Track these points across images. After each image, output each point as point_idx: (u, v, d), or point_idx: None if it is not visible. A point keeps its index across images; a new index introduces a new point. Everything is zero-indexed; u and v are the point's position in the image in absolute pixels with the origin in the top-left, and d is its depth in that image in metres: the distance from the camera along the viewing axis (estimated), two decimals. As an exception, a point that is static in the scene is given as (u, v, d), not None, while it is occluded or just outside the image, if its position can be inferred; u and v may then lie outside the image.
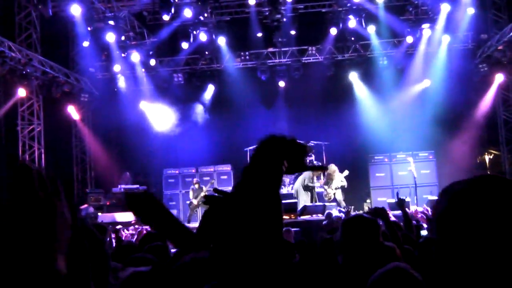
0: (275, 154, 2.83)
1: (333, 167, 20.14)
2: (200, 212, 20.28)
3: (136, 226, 16.49)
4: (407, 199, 15.46)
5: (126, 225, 17.65)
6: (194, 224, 18.57)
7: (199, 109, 24.28)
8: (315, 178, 20.24)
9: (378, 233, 3.96)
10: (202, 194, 20.46)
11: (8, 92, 21.61)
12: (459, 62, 21.93)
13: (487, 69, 21.29)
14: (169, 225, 2.92)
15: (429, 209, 15.46)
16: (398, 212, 12.14)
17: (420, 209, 16.82)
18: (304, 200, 19.78)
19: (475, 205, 1.48)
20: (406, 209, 8.61)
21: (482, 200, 1.48)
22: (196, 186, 20.84)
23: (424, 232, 8.16)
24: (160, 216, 2.90)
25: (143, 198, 2.88)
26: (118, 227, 14.78)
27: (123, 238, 13.10)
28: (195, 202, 20.43)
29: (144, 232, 12.93)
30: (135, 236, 14.10)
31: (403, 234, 6.47)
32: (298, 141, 2.94)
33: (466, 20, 21.17)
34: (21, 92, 20.87)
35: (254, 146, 3.12)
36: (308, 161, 19.93)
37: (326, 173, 20.58)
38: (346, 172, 20.08)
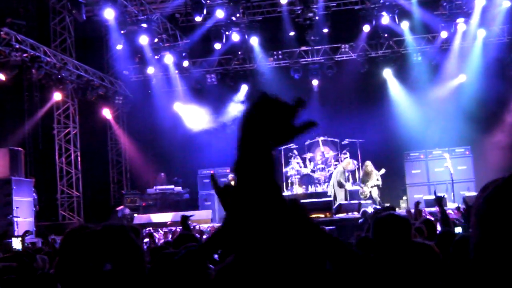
0: (255, 134, 2.35)
1: (370, 164, 20.07)
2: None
3: (171, 228, 16.56)
4: (445, 196, 15.31)
5: (162, 225, 17.77)
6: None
7: (233, 109, 24.31)
8: (346, 174, 20.18)
9: (409, 231, 3.90)
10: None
11: (44, 96, 21.99)
12: (495, 56, 21.62)
13: (524, 63, 20.99)
14: None
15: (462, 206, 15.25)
16: (435, 209, 12.04)
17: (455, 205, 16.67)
18: (340, 197, 19.73)
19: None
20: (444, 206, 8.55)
21: None
22: (232, 183, 20.79)
23: (458, 229, 8.07)
24: None
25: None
26: (148, 229, 14.83)
27: (157, 240, 13.16)
28: (229, 201, 20.43)
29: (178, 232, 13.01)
30: (170, 236, 14.15)
31: (444, 231, 6.42)
32: (282, 100, 2.38)
33: (502, 13, 20.88)
34: (57, 96, 21.19)
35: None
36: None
37: (363, 170, 20.50)
38: (383, 171, 19.97)
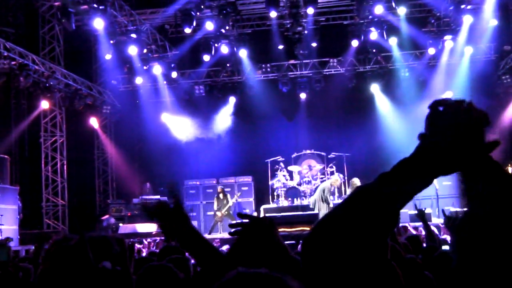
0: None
1: (357, 180, 20.11)
2: (223, 224, 20.25)
3: (155, 239, 16.52)
4: (427, 211, 15.30)
5: (147, 236, 17.73)
6: (216, 235, 18.60)
7: (220, 121, 24.34)
8: (331, 190, 20.21)
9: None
10: (228, 206, 20.45)
11: (32, 104, 21.90)
12: (481, 74, 21.76)
13: (510, 81, 21.15)
14: (193, 241, 2.83)
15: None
16: (420, 223, 12.06)
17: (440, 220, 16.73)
18: (323, 212, 19.73)
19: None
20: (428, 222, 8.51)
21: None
22: (221, 195, 20.74)
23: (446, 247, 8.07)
24: (185, 230, 2.80)
25: (172, 208, 2.80)
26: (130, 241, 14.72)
27: (142, 249, 13.10)
28: (219, 214, 20.37)
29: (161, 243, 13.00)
30: (153, 247, 14.12)
31: (429, 246, 6.43)
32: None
33: (489, 31, 21.06)
34: (44, 104, 21.13)
35: None
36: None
37: (350, 186, 20.53)
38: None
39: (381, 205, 1.58)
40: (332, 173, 21.03)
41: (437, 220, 17.30)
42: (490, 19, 20.37)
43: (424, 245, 7.56)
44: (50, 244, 3.08)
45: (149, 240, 16.02)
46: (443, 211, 8.37)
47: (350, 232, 1.54)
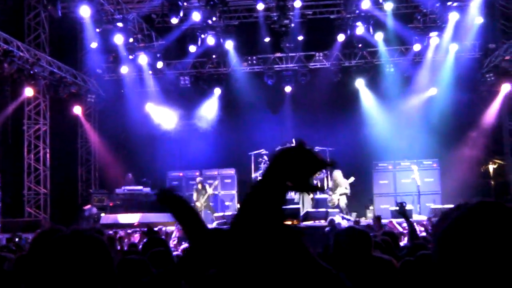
0: (280, 171, 2.38)
1: (339, 173, 20.18)
2: (203, 215, 20.25)
3: (136, 229, 16.49)
4: (408, 207, 15.37)
5: (128, 226, 17.69)
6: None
7: (205, 112, 24.31)
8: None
9: (370, 245, 3.95)
10: (207, 196, 20.48)
11: (16, 91, 21.73)
12: (466, 71, 21.92)
13: (494, 79, 21.29)
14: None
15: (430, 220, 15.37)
16: (402, 219, 12.12)
17: (424, 217, 16.85)
18: (308, 203, 19.80)
19: (473, 233, 1.51)
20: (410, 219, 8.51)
21: (481, 229, 1.51)
22: (199, 186, 20.78)
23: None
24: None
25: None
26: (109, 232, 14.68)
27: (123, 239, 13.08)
28: (198, 205, 20.39)
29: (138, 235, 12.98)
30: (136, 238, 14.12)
31: (414, 245, 6.46)
32: (315, 154, 2.41)
33: (474, 29, 21.18)
34: (29, 92, 20.97)
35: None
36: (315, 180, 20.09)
37: (332, 179, 20.62)
38: (352, 179, 20.11)
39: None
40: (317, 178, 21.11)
41: (418, 217, 17.40)
42: (475, 17, 20.47)
43: (406, 242, 7.58)
44: (37, 235, 3.08)
45: (129, 231, 15.98)
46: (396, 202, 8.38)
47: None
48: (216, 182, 21.85)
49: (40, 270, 2.30)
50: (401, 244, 9.12)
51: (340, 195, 19.97)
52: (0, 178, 19.00)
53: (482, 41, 22.00)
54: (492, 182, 21.87)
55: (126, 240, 13.21)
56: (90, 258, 2.28)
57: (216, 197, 22.21)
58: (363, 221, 18.75)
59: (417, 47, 22.00)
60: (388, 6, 20.03)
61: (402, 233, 13.14)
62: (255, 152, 21.59)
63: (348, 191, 20.03)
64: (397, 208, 8.20)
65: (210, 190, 20.66)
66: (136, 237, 14.78)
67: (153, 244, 5.61)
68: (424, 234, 11.12)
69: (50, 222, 19.44)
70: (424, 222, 14.93)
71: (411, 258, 5.44)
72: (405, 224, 11.81)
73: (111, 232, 12.76)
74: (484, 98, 22.14)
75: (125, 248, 9.65)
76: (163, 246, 5.44)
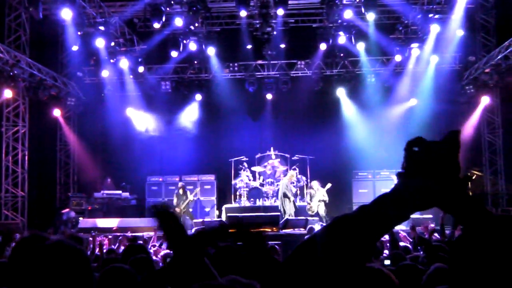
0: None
1: (316, 183, 20.25)
2: (183, 220, 20.19)
3: (115, 234, 16.36)
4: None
5: (107, 231, 17.56)
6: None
7: (185, 117, 24.27)
8: (290, 186, 20.29)
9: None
10: (187, 201, 20.39)
11: (-5, 92, 21.53)
12: (446, 83, 22.12)
13: (473, 91, 21.53)
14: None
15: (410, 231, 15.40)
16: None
17: (403, 227, 16.87)
18: (289, 209, 19.82)
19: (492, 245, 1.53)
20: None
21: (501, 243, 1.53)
22: (181, 191, 20.66)
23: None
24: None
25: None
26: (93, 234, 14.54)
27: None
28: (177, 210, 20.28)
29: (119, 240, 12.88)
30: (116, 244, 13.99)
31: (394, 253, 6.48)
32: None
33: (455, 41, 21.34)
34: (8, 93, 20.76)
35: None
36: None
37: (308, 187, 20.68)
38: (329, 185, 20.15)
39: (359, 235, 1.66)
40: (296, 174, 21.15)
41: (398, 227, 17.41)
42: (456, 29, 20.62)
43: (387, 251, 7.62)
44: (18, 242, 3.04)
45: (110, 236, 15.86)
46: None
47: (329, 258, 1.64)
48: (198, 189, 21.80)
49: (21, 279, 2.27)
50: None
51: (319, 201, 20.00)
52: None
53: (463, 54, 22.20)
54: (470, 194, 21.97)
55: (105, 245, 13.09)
56: (71, 270, 2.26)
57: (196, 203, 22.14)
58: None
59: (398, 58, 22.15)
60: (370, 17, 20.10)
61: (381, 241, 13.16)
62: (235, 158, 21.61)
63: (325, 198, 20.07)
64: None
65: (191, 197, 20.57)
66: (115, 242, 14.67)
67: (134, 250, 5.57)
68: (402, 243, 11.15)
69: (25, 226, 19.24)
70: (403, 234, 14.94)
71: (392, 268, 5.47)
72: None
73: (90, 238, 12.63)
74: (464, 109, 22.36)
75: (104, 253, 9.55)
76: (144, 252, 5.40)
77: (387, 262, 7.19)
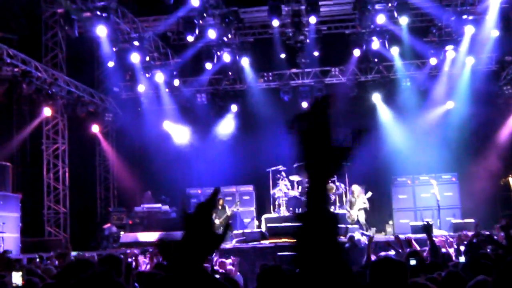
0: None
1: (357, 188, 20.07)
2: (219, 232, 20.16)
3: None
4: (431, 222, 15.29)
5: (148, 245, 17.63)
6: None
7: (221, 129, 24.35)
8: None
9: (406, 275, 3.93)
10: (225, 216, 20.40)
11: (34, 110, 21.95)
12: (483, 84, 21.82)
13: (511, 91, 21.21)
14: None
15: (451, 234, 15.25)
16: (421, 235, 12.03)
17: (444, 232, 16.71)
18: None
19: None
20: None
21: None
22: (220, 206, 20.67)
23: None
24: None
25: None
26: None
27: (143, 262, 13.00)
28: (217, 222, 20.33)
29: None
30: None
31: (432, 262, 6.42)
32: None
33: (490, 42, 21.10)
34: (47, 112, 21.12)
35: None
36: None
37: (350, 194, 20.53)
38: (370, 194, 20.01)
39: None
40: (333, 182, 21.00)
41: (438, 232, 17.27)
42: (491, 29, 20.40)
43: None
44: (64, 267, 3.10)
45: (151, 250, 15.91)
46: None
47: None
48: (238, 201, 21.77)
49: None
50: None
51: (359, 210, 19.85)
52: (21, 198, 19.10)
53: (499, 54, 21.91)
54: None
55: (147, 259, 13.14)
56: None
57: (236, 214, 22.14)
58: (382, 237, 18.71)
59: (433, 61, 21.95)
60: (403, 21, 19.97)
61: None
62: (273, 168, 21.56)
63: (366, 205, 19.91)
64: (423, 224, 8.26)
65: (229, 211, 20.57)
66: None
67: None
68: (444, 250, 11.03)
69: (70, 243, 19.41)
70: (446, 239, 14.76)
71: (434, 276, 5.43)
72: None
73: (130, 251, 12.70)
74: (502, 110, 22.05)
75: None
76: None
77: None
